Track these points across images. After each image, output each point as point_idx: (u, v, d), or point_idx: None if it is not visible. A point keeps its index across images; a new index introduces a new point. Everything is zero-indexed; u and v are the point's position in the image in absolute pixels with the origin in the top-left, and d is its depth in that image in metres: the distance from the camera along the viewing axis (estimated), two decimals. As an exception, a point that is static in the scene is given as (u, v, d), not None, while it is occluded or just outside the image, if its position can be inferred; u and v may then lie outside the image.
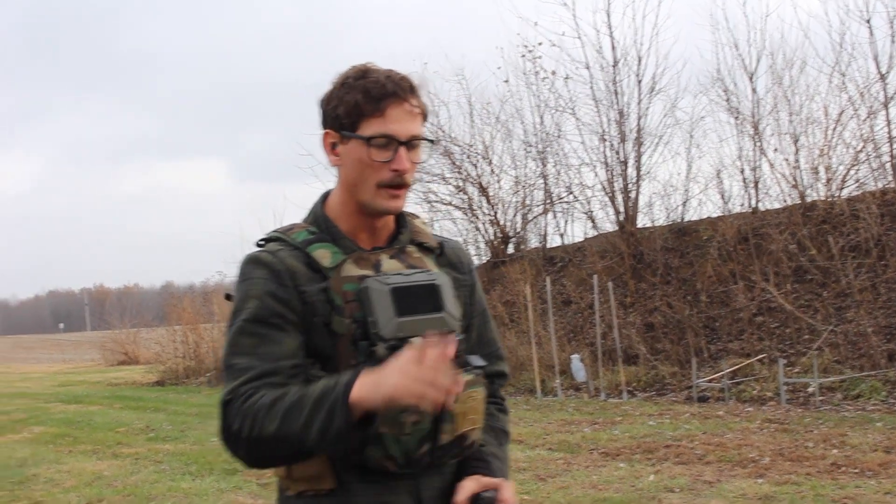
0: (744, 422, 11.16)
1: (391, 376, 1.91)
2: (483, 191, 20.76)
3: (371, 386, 1.94)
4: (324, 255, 2.19)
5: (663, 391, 14.50)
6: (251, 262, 2.20)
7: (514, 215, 21.10)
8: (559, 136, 20.07)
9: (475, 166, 20.78)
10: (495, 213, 20.88)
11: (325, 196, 2.35)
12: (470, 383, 2.16)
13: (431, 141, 2.36)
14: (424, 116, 2.26)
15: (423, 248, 2.35)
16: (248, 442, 2.02)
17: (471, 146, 20.81)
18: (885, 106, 16.17)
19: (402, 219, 2.35)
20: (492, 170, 20.93)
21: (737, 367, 13.89)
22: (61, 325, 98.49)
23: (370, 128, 2.16)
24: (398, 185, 2.20)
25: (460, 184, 20.76)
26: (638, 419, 11.95)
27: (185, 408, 16.83)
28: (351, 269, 2.18)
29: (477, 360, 2.24)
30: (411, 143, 2.20)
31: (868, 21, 16.35)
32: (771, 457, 8.86)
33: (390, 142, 2.16)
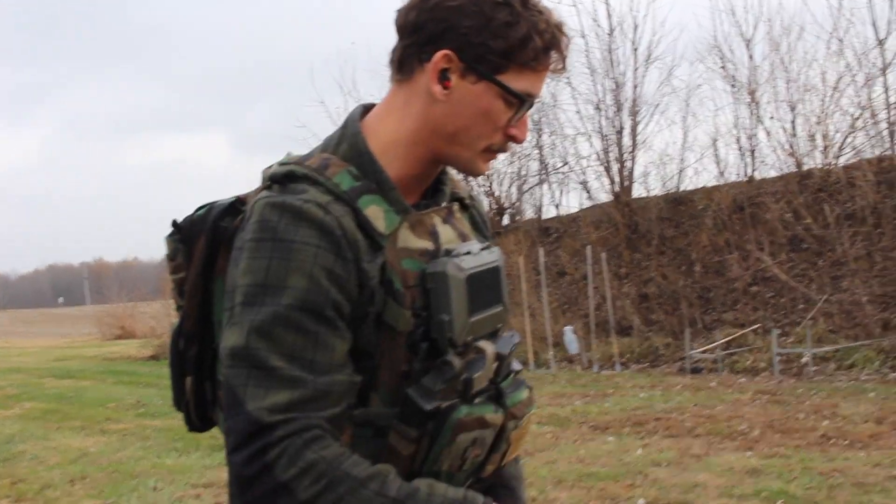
0: (736, 393, 11.06)
1: None
2: (478, 162, 20.61)
3: None
4: (376, 214, 1.59)
5: (656, 363, 14.41)
6: (291, 214, 1.51)
7: (510, 186, 21.03)
8: (555, 106, 19.91)
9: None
10: (490, 184, 20.75)
11: (362, 113, 1.73)
12: (527, 404, 1.80)
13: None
14: None
15: (462, 203, 1.88)
16: None
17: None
18: (883, 72, 16.02)
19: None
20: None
21: (731, 337, 13.78)
22: (61, 300, 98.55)
23: (521, 81, 1.61)
24: (502, 150, 1.71)
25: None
26: (629, 391, 11.86)
27: (178, 382, 16.75)
28: (409, 239, 1.63)
29: (517, 364, 1.84)
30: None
31: (867, -14, 16.17)
32: (761, 429, 8.75)
33: (529, 103, 1.65)
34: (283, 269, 1.48)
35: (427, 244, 1.66)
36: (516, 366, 1.82)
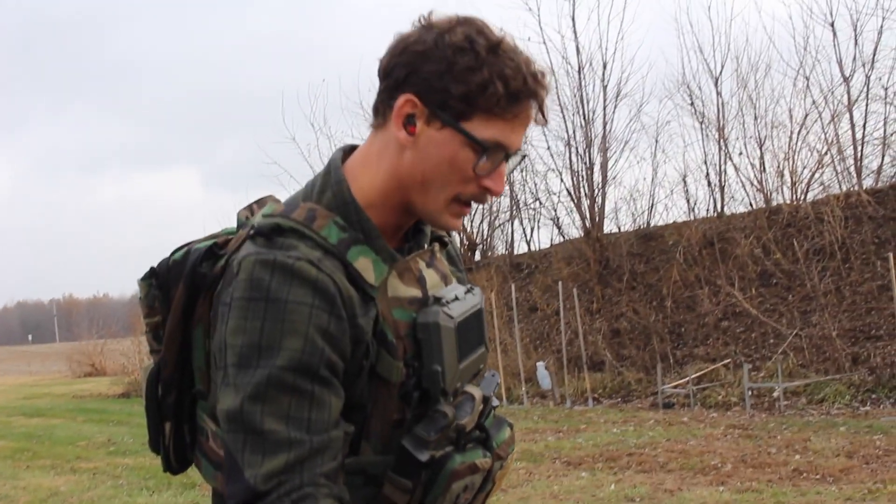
0: (708, 428, 11.10)
1: None
2: (449, 198, 20.66)
3: None
4: (365, 266, 1.57)
5: (629, 398, 14.45)
6: (282, 273, 1.48)
7: (481, 222, 21.09)
8: (525, 143, 19.98)
9: (441, 173, 20.64)
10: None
11: (342, 157, 1.70)
12: (510, 442, 1.82)
13: (524, 156, 1.74)
14: None
15: (442, 242, 1.85)
16: None
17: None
18: (849, 109, 16.25)
19: None
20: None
21: (702, 372, 13.85)
22: (30, 337, 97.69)
23: (488, 129, 1.56)
24: (475, 201, 1.66)
25: (426, 191, 20.56)
26: (602, 427, 11.87)
27: (149, 420, 16.64)
28: (398, 288, 1.62)
29: (495, 400, 1.82)
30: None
31: (832, 24, 16.46)
32: (733, 463, 8.79)
33: (498, 152, 1.59)
34: (278, 330, 1.46)
35: (416, 292, 1.65)
36: (494, 401, 1.82)
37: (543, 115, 1.63)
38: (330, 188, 1.64)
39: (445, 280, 1.78)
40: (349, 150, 1.73)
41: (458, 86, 1.53)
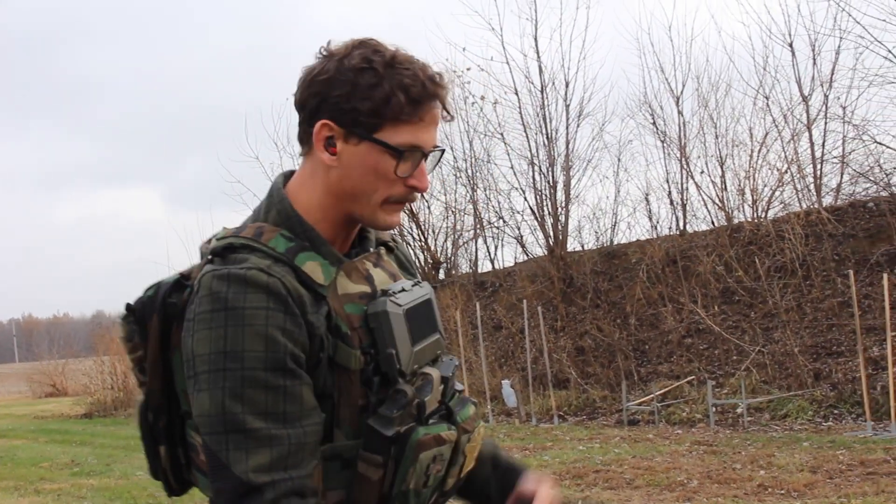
0: (673, 444, 11.17)
1: None
2: (413, 216, 20.73)
3: None
4: (314, 268, 1.71)
5: (594, 415, 14.50)
6: (237, 283, 1.61)
7: (445, 241, 21.16)
8: (489, 161, 20.11)
9: (405, 192, 20.62)
10: (425, 238, 20.85)
11: (284, 181, 1.86)
12: (475, 418, 1.92)
13: (443, 150, 1.91)
14: None
15: (387, 247, 2.02)
16: None
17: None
18: (808, 128, 16.46)
19: None
20: (422, 195, 20.88)
21: (666, 389, 13.94)
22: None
23: (399, 135, 1.72)
24: (408, 200, 1.83)
25: (390, 209, 20.51)
26: (568, 444, 11.92)
27: (113, 440, 16.54)
28: (347, 285, 1.76)
29: (459, 385, 1.96)
30: (432, 153, 1.81)
31: (790, 44, 16.68)
32: (699, 479, 8.86)
33: (415, 153, 1.75)
34: (240, 335, 1.58)
35: (364, 287, 1.79)
36: (458, 386, 1.95)
37: (448, 112, 1.80)
38: (274, 207, 1.80)
39: (394, 278, 1.91)
40: (289, 175, 1.89)
41: (364, 103, 1.70)
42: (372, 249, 1.92)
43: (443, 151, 1.90)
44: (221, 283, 1.61)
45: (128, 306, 1.84)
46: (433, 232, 20.98)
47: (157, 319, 1.76)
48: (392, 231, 2.04)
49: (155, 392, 1.81)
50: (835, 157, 16.58)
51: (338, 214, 1.80)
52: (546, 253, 18.60)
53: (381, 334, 1.72)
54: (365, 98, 1.69)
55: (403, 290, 1.83)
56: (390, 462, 1.71)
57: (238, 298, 1.59)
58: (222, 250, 1.70)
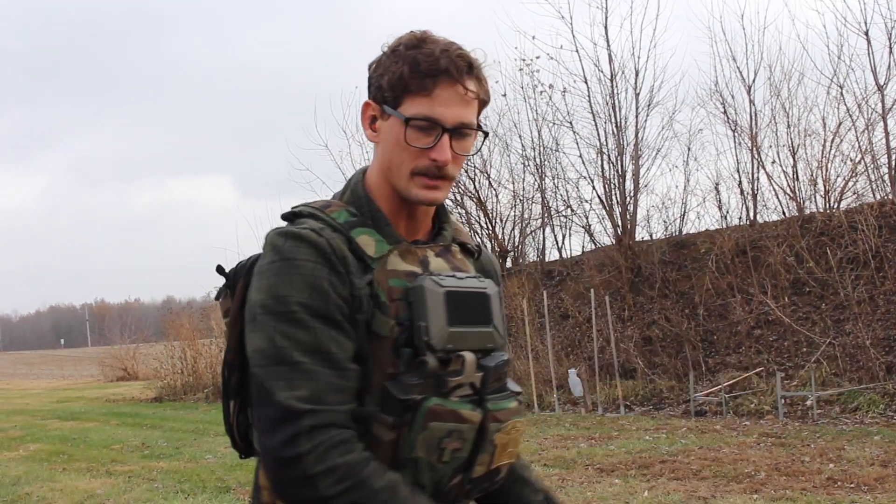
0: (740, 436, 11.08)
1: None
2: (481, 205, 20.72)
3: None
4: (367, 242, 1.87)
5: (661, 405, 14.43)
6: (293, 239, 1.81)
7: (512, 229, 21.11)
8: (557, 150, 20.04)
9: (473, 180, 20.74)
10: (493, 227, 20.83)
11: (364, 171, 2.03)
12: (514, 412, 1.97)
13: (486, 133, 2.03)
14: (482, 103, 1.96)
15: (465, 249, 2.10)
16: None
17: (468, 160, 20.73)
18: (883, 117, 16.16)
19: (442, 213, 2.08)
20: (490, 184, 20.84)
21: (734, 380, 13.82)
22: (62, 341, 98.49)
23: (413, 107, 1.86)
24: (436, 175, 1.91)
25: (458, 198, 20.70)
26: (634, 434, 11.88)
27: (182, 424, 16.75)
28: (397, 263, 1.89)
29: (513, 385, 2.02)
30: (459, 131, 1.90)
31: (866, 33, 16.35)
32: (767, 472, 8.78)
33: (433, 127, 1.87)
34: (289, 281, 1.77)
35: (415, 268, 1.91)
36: (514, 387, 2.02)
37: (466, 89, 1.89)
38: (349, 188, 2.00)
39: (457, 271, 2.00)
40: None
41: (384, 78, 1.90)
42: (442, 243, 2.03)
43: (486, 134, 2.04)
44: (280, 238, 1.83)
45: (219, 268, 2.09)
46: (501, 220, 20.97)
47: (242, 282, 1.95)
48: (476, 241, 2.18)
49: (231, 349, 1.97)
50: (910, 148, 16.29)
51: (389, 191, 1.95)
52: (614, 242, 18.49)
53: (416, 307, 1.84)
54: (386, 74, 1.89)
55: (453, 276, 1.94)
56: (404, 428, 1.80)
57: (291, 251, 1.80)
58: (291, 215, 1.94)
